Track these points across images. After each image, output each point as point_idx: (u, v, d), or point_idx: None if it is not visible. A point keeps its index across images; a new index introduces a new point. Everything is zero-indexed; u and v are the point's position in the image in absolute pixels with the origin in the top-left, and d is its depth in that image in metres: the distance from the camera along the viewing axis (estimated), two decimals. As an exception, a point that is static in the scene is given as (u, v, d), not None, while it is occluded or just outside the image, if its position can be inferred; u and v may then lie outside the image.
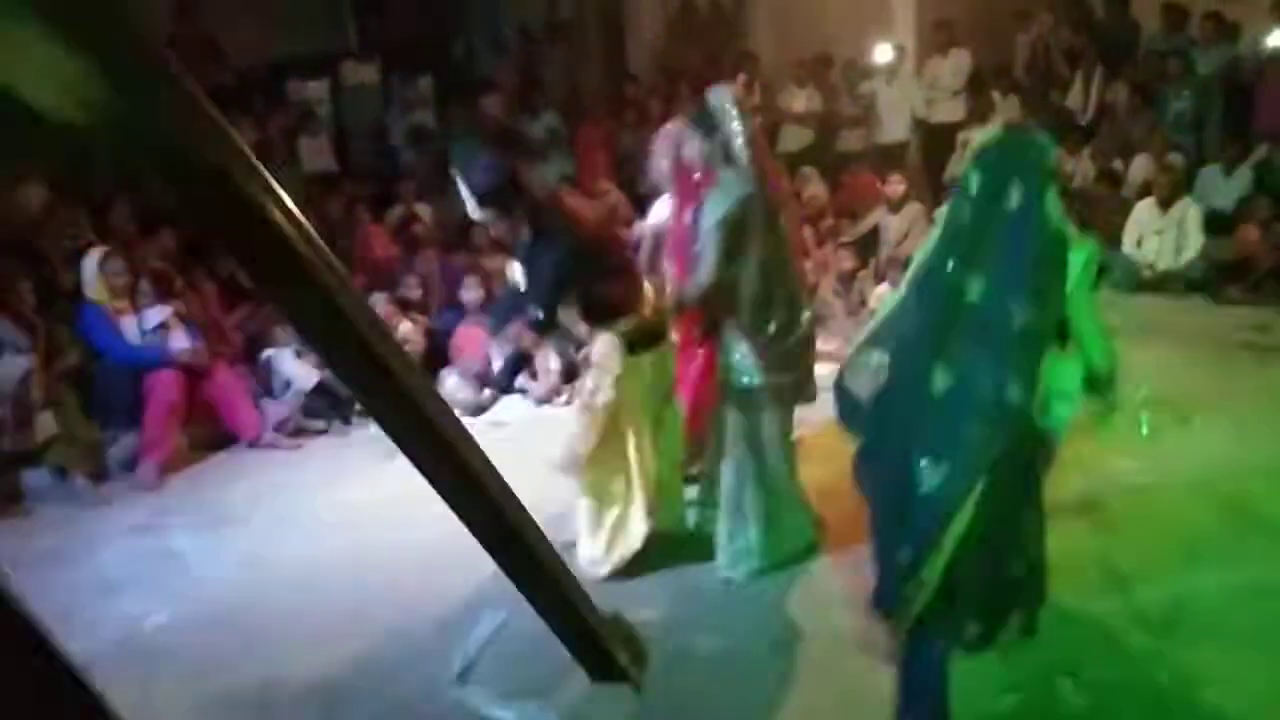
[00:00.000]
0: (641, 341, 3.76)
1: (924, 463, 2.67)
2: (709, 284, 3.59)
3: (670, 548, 4.02)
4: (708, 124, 3.64)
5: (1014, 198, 2.60)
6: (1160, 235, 7.59)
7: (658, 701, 3.13)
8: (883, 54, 9.54)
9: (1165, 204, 7.57)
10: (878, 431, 2.90)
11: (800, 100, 9.62)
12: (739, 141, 3.59)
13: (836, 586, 3.76)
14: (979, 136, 3.11)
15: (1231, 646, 3.24)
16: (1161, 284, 7.45)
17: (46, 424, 5.08)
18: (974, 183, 2.69)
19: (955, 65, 9.30)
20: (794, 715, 3.16)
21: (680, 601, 3.78)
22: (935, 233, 2.86)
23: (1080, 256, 2.71)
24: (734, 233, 3.54)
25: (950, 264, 2.70)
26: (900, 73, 9.57)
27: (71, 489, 5.06)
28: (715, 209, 3.56)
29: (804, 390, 3.86)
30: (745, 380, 3.72)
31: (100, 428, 5.31)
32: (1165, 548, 3.87)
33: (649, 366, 3.80)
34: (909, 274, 2.91)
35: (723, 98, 3.66)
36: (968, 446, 2.62)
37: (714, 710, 3.21)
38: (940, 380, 2.67)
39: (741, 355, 3.70)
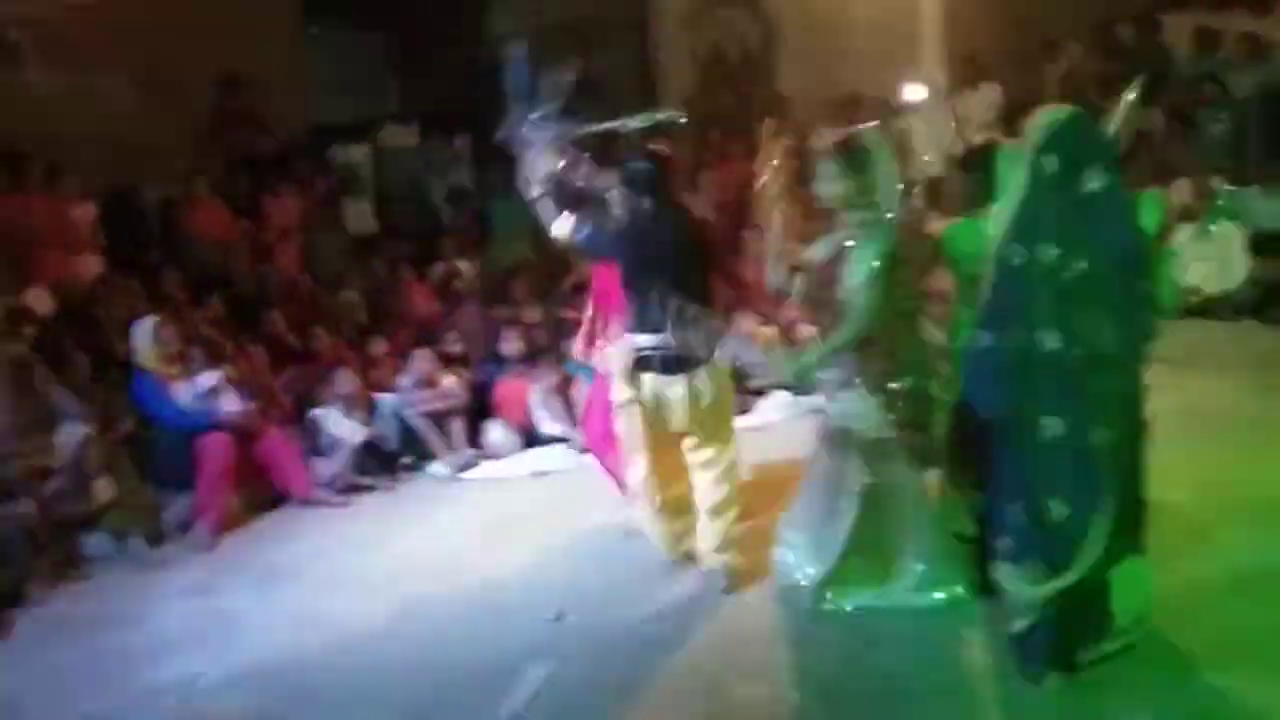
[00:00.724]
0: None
1: (1046, 420, 3.03)
2: (855, 336, 3.54)
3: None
4: (855, 163, 3.56)
5: (1092, 179, 2.94)
6: (1205, 261, 7.48)
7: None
8: (913, 92, 9.57)
9: (1205, 228, 7.47)
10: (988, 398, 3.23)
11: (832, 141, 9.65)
12: (892, 187, 3.51)
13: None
14: (1041, 119, 3.10)
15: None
16: (1208, 309, 7.34)
17: (104, 489, 5.20)
18: (1049, 166, 2.96)
19: (986, 98, 9.32)
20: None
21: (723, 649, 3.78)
22: (1005, 220, 3.10)
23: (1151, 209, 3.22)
24: (882, 284, 3.48)
25: (1038, 246, 2.99)
26: (931, 108, 9.59)
27: (128, 552, 5.17)
28: (866, 258, 3.48)
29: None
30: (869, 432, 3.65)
31: (155, 491, 5.43)
32: (1220, 581, 3.77)
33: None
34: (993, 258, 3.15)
35: (876, 139, 3.59)
36: (1098, 398, 3.00)
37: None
38: (1050, 343, 3.00)
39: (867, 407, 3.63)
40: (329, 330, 6.48)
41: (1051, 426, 3.03)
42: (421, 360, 6.27)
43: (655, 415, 4.06)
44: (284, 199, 8.23)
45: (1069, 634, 3.15)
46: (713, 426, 4.10)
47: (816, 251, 3.75)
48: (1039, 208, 3.01)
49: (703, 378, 3.99)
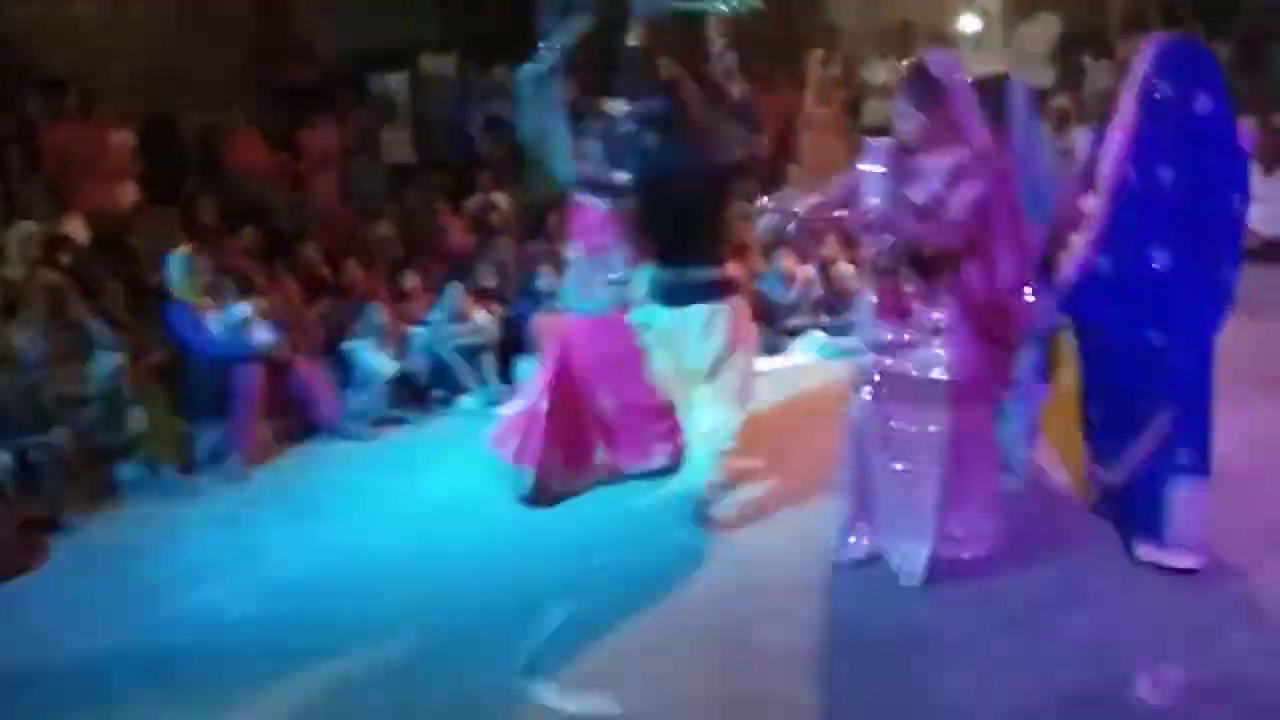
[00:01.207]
0: None
1: (1153, 334, 3.28)
2: None
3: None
4: (924, 93, 3.35)
5: (1204, 101, 3.14)
6: (1266, 202, 7.17)
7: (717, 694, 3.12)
8: (968, 23, 9.23)
9: (1269, 167, 7.15)
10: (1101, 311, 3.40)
11: (884, 73, 9.36)
12: (971, 116, 3.34)
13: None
14: (1152, 44, 3.28)
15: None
16: (1266, 252, 7.05)
17: (137, 419, 5.25)
18: (1161, 91, 3.14)
19: (1043, 29, 8.96)
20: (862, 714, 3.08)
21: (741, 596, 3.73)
22: (1119, 140, 3.24)
23: None
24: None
25: (1156, 166, 3.16)
26: (987, 39, 9.25)
27: (162, 482, 5.23)
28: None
29: None
30: None
31: (188, 421, 5.47)
32: (1257, 533, 3.68)
33: None
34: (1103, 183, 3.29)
35: (948, 67, 3.38)
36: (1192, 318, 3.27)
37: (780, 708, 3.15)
38: (1160, 261, 3.22)
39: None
40: (363, 263, 6.43)
41: (1157, 338, 3.30)
42: (455, 294, 6.21)
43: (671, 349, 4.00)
44: (321, 129, 8.15)
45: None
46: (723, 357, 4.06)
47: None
48: (1152, 132, 3.18)
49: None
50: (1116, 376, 3.44)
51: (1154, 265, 3.26)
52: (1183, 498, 3.38)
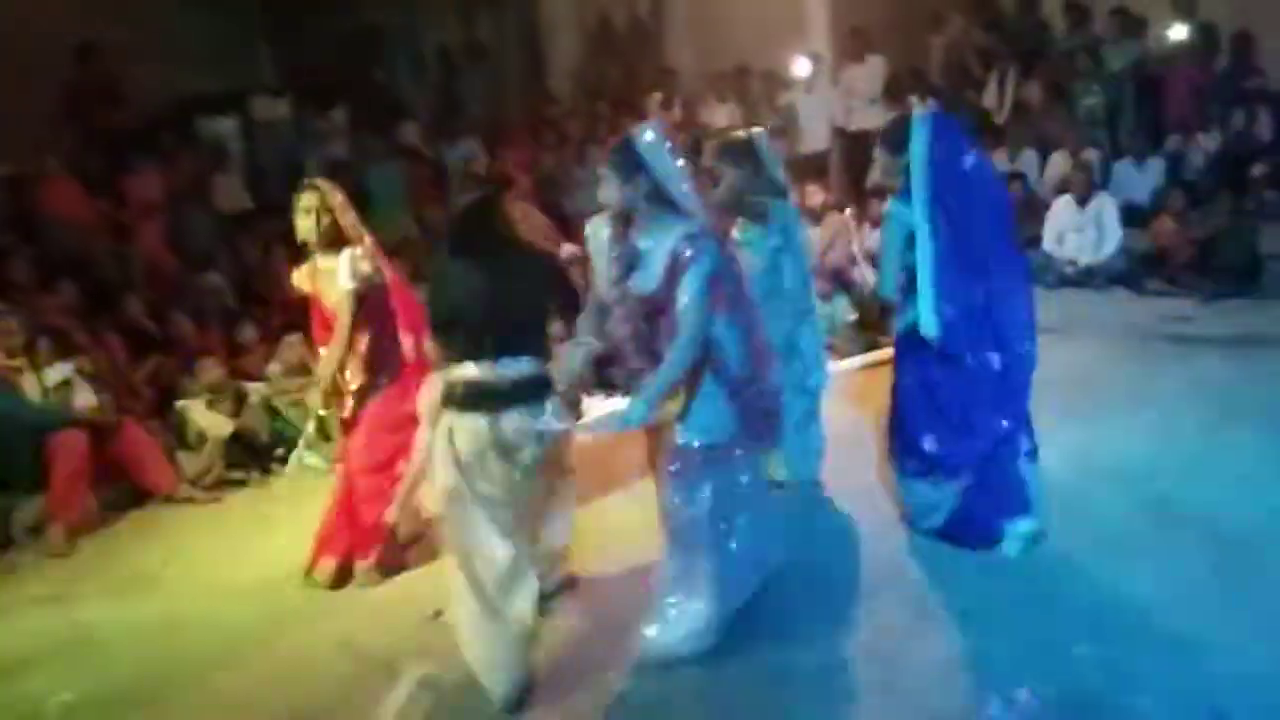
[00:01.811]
0: None
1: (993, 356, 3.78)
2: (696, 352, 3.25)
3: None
4: (630, 164, 3.25)
5: (968, 158, 3.73)
6: (1080, 232, 7.66)
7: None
8: (801, 67, 9.57)
9: (1082, 200, 7.65)
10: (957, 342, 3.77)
11: (722, 115, 9.60)
12: (681, 184, 3.26)
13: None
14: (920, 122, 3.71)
15: (1161, 650, 3.21)
16: (1084, 279, 7.52)
17: (-57, 494, 4.84)
18: (939, 152, 3.63)
19: (871, 72, 9.37)
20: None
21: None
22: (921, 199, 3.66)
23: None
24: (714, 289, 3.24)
25: (951, 215, 3.64)
26: (818, 82, 9.60)
27: (-26, 560, 4.83)
28: (700, 267, 3.18)
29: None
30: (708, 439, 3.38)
31: (2, 494, 5.07)
32: (1090, 548, 3.83)
33: None
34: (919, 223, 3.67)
35: (654, 135, 3.27)
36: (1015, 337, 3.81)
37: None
38: (978, 294, 3.72)
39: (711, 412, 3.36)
40: (193, 316, 6.13)
41: (996, 360, 3.79)
42: (293, 346, 5.97)
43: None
44: (145, 176, 7.78)
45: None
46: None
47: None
48: (941, 188, 3.65)
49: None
50: (966, 395, 3.84)
51: (976, 298, 3.73)
52: (1032, 477, 3.90)
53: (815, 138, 9.64)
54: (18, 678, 3.89)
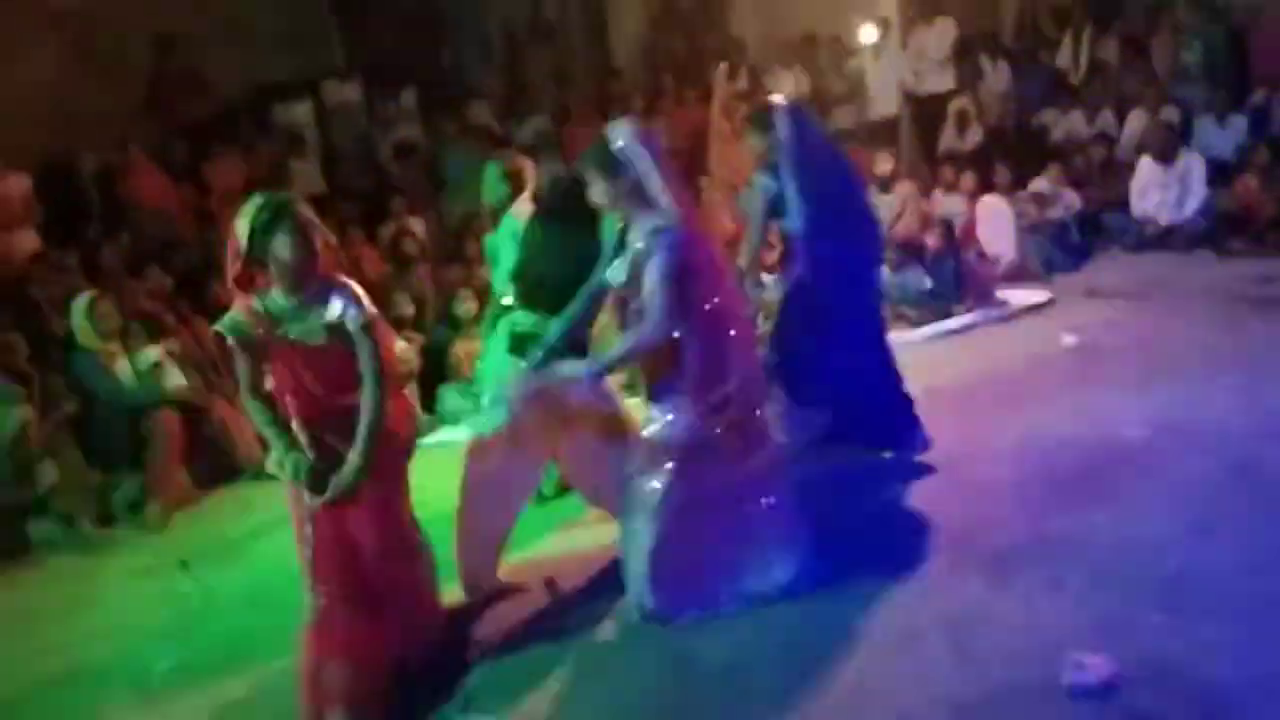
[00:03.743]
0: None
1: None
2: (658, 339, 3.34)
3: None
4: (610, 163, 3.35)
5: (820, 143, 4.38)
6: (1164, 189, 7.45)
7: None
8: (867, 34, 9.44)
9: (1166, 159, 7.43)
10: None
11: (788, 83, 9.53)
12: (655, 182, 3.33)
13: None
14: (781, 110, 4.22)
15: (1241, 620, 3.15)
16: (1164, 240, 7.34)
17: (47, 473, 5.09)
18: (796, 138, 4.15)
19: (940, 34, 9.20)
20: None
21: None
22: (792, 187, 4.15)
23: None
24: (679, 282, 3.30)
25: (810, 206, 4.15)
26: (886, 47, 9.46)
27: (78, 536, 5.06)
28: (661, 259, 3.27)
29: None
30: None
31: (103, 473, 5.31)
32: (1171, 513, 3.77)
33: None
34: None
35: (627, 136, 3.34)
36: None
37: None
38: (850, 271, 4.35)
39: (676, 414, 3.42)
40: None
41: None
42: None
43: None
44: (226, 163, 8.00)
45: None
46: None
47: None
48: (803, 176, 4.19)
49: None
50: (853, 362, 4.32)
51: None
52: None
53: (884, 103, 9.52)
54: (122, 646, 4.08)
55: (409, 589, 3.41)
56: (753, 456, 3.54)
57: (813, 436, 4.32)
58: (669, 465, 3.43)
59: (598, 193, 3.42)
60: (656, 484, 3.44)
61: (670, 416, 3.42)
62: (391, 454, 3.27)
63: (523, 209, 4.45)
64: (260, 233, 2.98)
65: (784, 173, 4.20)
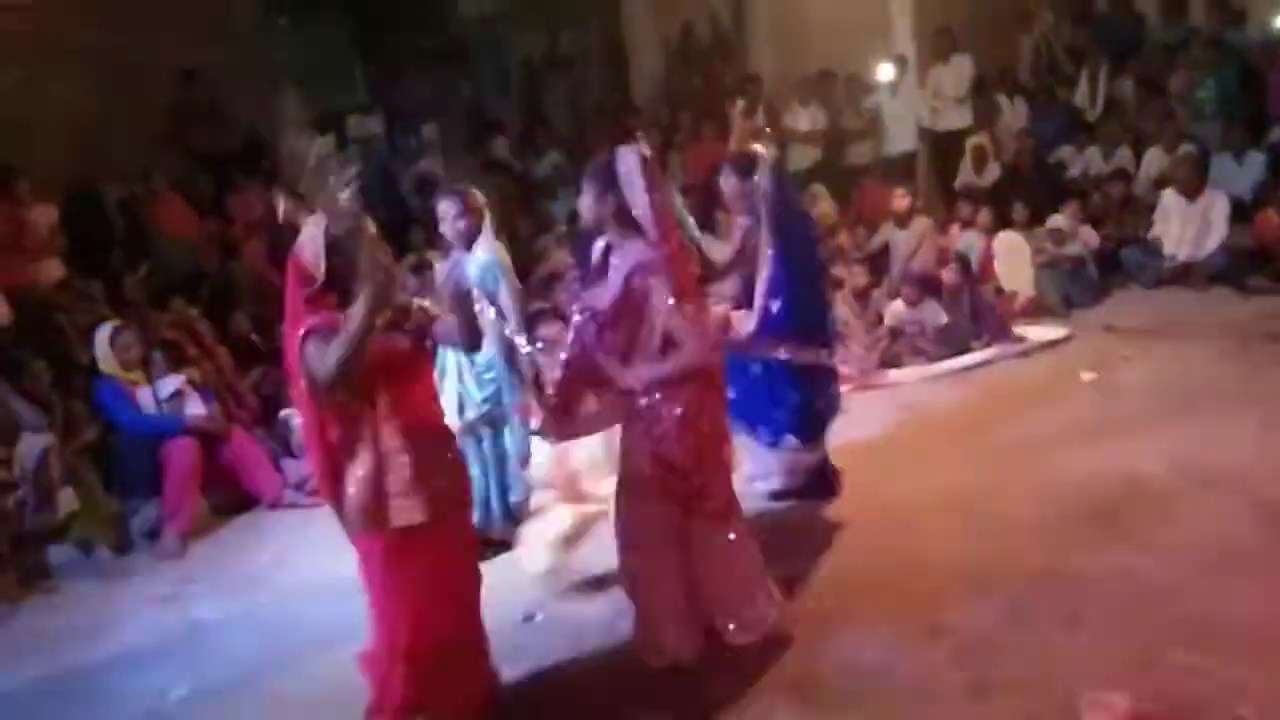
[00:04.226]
0: None
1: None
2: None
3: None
4: (605, 181, 3.36)
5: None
6: (1186, 225, 7.44)
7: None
8: (884, 72, 9.51)
9: (1190, 195, 7.43)
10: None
11: (805, 119, 9.60)
12: (646, 211, 3.33)
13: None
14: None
15: (1263, 659, 3.12)
16: (1182, 277, 7.32)
17: (68, 500, 5.14)
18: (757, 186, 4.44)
19: (958, 71, 9.25)
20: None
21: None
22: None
23: None
24: None
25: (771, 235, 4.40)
26: (903, 84, 9.52)
27: (96, 563, 5.09)
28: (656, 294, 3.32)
29: None
30: None
31: (121, 500, 5.35)
32: (1189, 553, 3.74)
33: None
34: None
35: (629, 163, 3.34)
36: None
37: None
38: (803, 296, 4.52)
39: None
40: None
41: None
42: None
43: None
44: (250, 194, 8.10)
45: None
46: None
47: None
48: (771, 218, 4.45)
49: None
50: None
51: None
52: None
53: (902, 139, 9.56)
54: (138, 672, 4.09)
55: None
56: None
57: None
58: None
59: (585, 205, 3.44)
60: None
61: None
62: None
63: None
64: None
65: (763, 216, 4.45)
